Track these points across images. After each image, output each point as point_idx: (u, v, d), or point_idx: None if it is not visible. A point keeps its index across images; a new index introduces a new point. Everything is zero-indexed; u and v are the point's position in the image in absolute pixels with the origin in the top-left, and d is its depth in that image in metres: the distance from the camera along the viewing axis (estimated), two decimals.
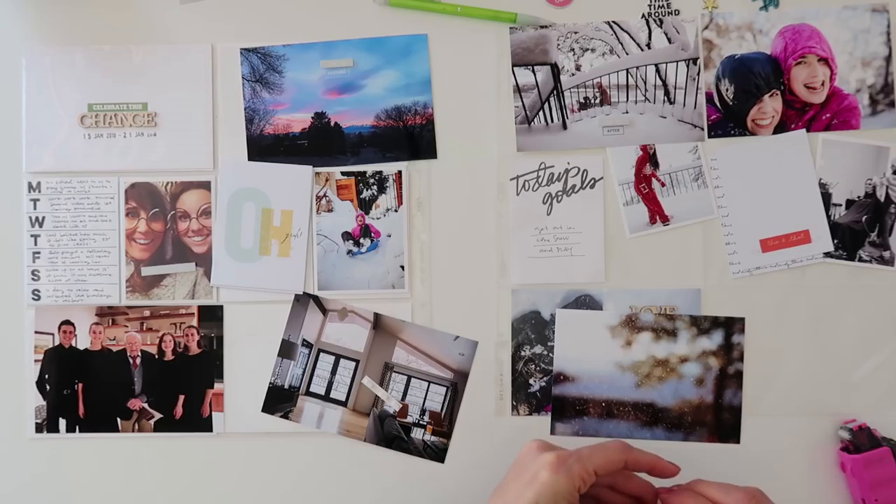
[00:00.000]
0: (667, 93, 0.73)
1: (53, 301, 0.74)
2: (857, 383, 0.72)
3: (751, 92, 0.73)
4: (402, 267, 0.73)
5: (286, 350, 0.74)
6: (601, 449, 0.56)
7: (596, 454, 0.55)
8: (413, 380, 0.73)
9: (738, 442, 0.72)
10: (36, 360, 0.73)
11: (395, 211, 0.74)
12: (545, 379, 0.73)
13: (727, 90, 0.73)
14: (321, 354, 0.74)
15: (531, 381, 0.73)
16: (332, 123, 0.74)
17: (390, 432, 0.73)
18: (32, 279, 0.74)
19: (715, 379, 0.72)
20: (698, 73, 0.73)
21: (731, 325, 0.72)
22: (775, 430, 0.72)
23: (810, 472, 0.72)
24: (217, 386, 0.74)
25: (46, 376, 0.73)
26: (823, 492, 0.72)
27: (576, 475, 0.54)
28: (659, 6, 0.73)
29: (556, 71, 0.73)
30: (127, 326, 0.74)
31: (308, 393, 0.73)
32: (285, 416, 0.73)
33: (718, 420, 0.72)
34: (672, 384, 0.72)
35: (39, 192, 0.74)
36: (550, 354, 0.73)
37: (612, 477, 0.59)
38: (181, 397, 0.74)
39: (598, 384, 0.72)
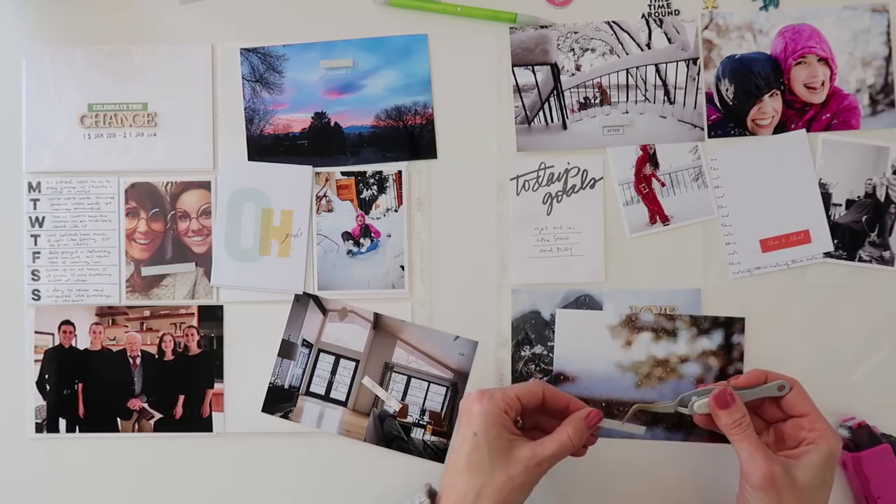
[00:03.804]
0: (667, 93, 0.73)
1: (53, 301, 0.74)
2: (857, 383, 0.72)
3: (751, 92, 0.73)
4: (402, 267, 0.73)
5: (286, 350, 0.74)
6: (519, 384, 0.67)
7: (515, 385, 0.65)
8: (413, 380, 0.73)
9: None
10: (36, 360, 0.73)
11: (395, 211, 0.74)
12: (545, 379, 0.73)
13: (727, 90, 0.73)
14: (321, 354, 0.74)
15: None
16: (332, 123, 0.74)
17: (390, 432, 0.73)
18: (32, 279, 0.74)
19: (715, 379, 0.72)
20: (698, 73, 0.73)
21: (731, 325, 0.72)
22: None
23: None
24: (217, 386, 0.74)
25: (46, 376, 0.73)
26: None
27: (499, 399, 0.62)
28: (659, 6, 0.73)
29: (556, 71, 0.73)
30: (127, 326, 0.74)
31: (308, 393, 0.73)
32: (285, 416, 0.73)
33: None
34: (672, 384, 0.72)
35: (39, 192, 0.74)
36: (550, 354, 0.73)
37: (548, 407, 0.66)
38: (181, 397, 0.74)
39: (598, 384, 0.72)
